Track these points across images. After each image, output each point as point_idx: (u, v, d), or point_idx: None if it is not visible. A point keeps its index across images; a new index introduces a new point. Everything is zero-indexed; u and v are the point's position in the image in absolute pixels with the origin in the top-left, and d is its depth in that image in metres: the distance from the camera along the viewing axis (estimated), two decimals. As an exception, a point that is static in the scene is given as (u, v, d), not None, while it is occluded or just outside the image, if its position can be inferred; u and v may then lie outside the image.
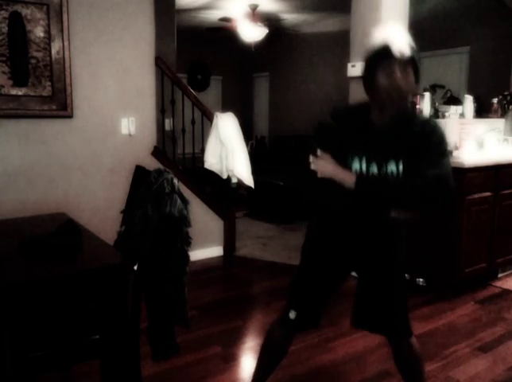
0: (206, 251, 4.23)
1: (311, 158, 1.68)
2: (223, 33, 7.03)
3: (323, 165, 1.67)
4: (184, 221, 1.74)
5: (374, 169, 1.69)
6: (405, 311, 1.88)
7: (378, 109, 1.67)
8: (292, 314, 1.86)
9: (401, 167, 1.67)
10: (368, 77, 1.65)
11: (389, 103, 1.63)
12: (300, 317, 1.87)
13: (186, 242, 1.77)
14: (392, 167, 1.67)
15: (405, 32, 1.68)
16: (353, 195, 1.62)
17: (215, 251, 4.34)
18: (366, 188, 1.62)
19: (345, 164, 1.69)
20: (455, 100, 4.18)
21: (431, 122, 1.72)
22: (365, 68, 1.67)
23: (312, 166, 1.67)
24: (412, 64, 1.60)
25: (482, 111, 4.29)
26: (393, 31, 1.64)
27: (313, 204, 1.90)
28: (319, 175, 1.66)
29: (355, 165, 1.70)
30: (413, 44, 1.62)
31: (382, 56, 1.60)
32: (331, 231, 1.85)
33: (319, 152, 1.67)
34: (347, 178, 1.63)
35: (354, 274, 1.95)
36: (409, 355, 1.90)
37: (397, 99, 1.62)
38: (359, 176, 1.65)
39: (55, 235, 1.81)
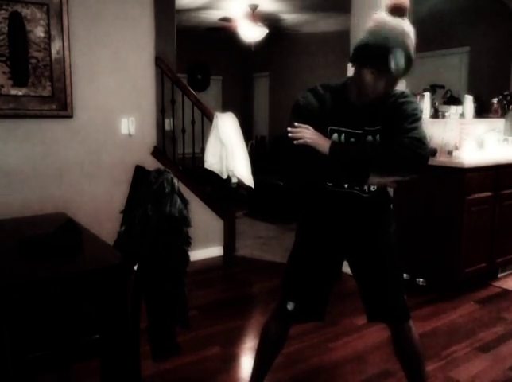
0: (206, 251, 4.23)
1: (289, 129, 1.70)
2: (223, 33, 7.03)
3: (300, 131, 1.68)
4: (184, 221, 1.75)
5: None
6: (402, 293, 1.86)
7: (356, 92, 1.71)
8: (290, 306, 1.85)
9: (378, 138, 1.71)
10: (356, 63, 1.67)
11: (367, 95, 1.68)
12: (299, 307, 1.85)
13: (186, 242, 1.77)
14: (369, 139, 1.71)
15: (411, 29, 1.59)
16: (329, 160, 1.65)
17: (215, 251, 4.34)
18: (340, 151, 1.65)
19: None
20: (455, 100, 4.19)
21: (404, 93, 1.75)
22: (358, 49, 1.64)
23: (290, 135, 1.69)
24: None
25: (482, 111, 4.29)
26: (405, 30, 1.57)
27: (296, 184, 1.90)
28: (296, 142, 1.67)
29: (334, 139, 1.73)
30: (413, 51, 1.58)
31: (378, 57, 1.58)
32: (320, 218, 1.86)
33: (296, 124, 1.70)
34: (323, 143, 1.66)
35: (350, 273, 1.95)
36: (408, 339, 1.88)
37: (374, 97, 1.67)
38: (334, 141, 1.69)
39: (55, 234, 1.81)
